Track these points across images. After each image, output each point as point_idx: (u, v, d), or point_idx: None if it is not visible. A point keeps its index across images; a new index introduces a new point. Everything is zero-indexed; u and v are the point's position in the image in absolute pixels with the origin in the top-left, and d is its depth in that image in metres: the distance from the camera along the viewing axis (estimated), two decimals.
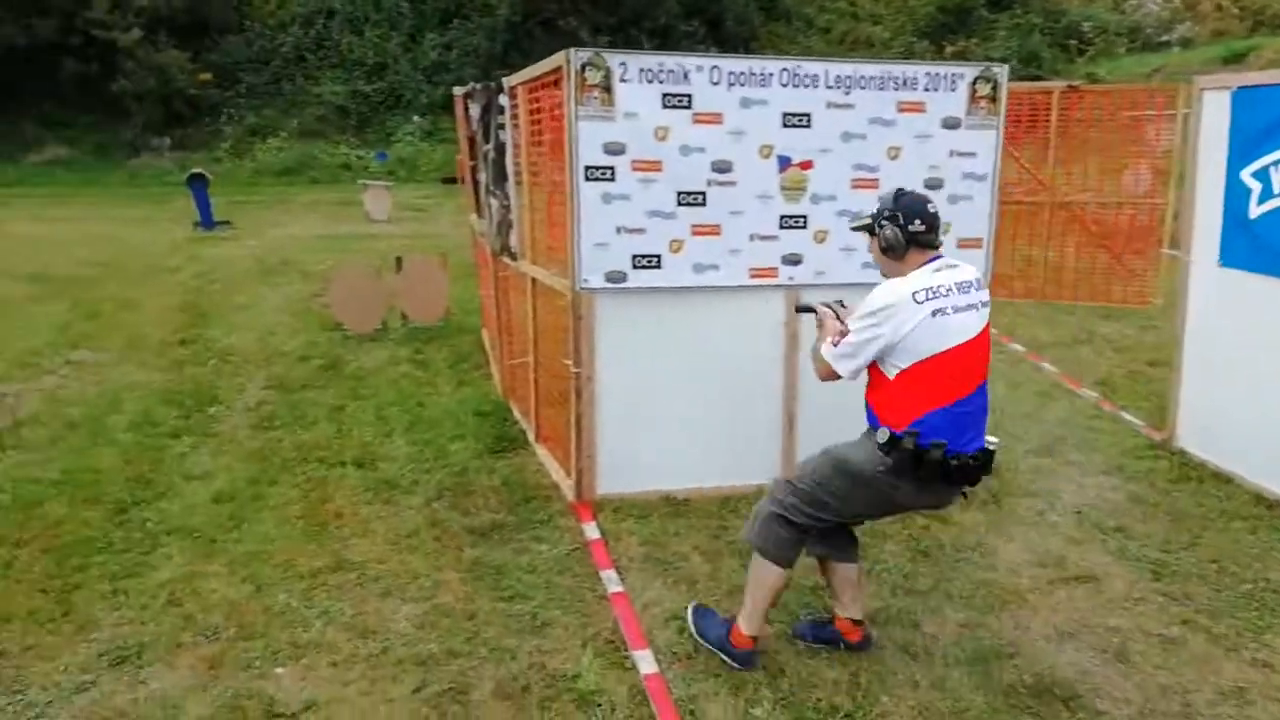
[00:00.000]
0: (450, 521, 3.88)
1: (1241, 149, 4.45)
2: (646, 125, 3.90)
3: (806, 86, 4.05)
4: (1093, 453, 4.97)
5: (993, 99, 4.25)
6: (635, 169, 3.92)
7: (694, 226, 4.04)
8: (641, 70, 3.85)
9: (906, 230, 2.74)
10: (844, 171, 4.17)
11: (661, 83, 3.89)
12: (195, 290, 8.74)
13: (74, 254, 10.80)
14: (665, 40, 20.85)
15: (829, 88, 4.08)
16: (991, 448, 2.68)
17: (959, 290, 2.66)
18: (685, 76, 3.91)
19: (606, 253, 3.96)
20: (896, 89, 4.15)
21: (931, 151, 4.24)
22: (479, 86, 5.59)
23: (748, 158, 4.04)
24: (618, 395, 4.09)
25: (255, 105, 21.81)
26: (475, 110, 5.70)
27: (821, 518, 2.82)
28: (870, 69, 4.11)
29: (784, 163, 4.10)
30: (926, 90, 4.18)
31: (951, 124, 4.24)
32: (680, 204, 4.01)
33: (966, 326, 2.65)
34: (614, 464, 4.14)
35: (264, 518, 3.88)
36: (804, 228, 4.17)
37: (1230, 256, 4.57)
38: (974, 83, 4.22)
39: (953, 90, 4.21)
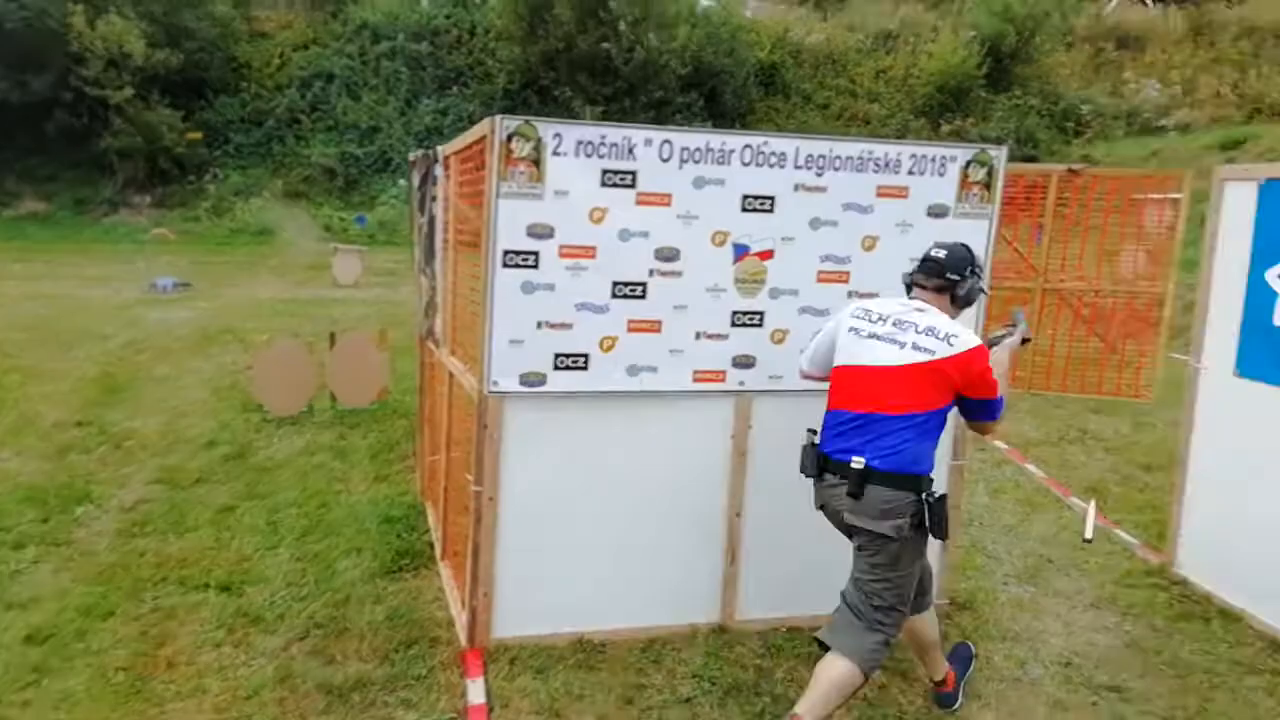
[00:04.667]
0: (306, 675, 3.15)
1: (1268, 248, 3.87)
2: (580, 205, 3.31)
3: (772, 166, 3.48)
4: (1082, 579, 4.32)
5: (987, 185, 3.68)
6: (564, 255, 3.32)
7: (631, 322, 3.43)
8: (580, 143, 3.28)
9: (908, 275, 3.14)
10: (809, 263, 3.58)
11: (602, 157, 3.31)
12: (118, 360, 8.07)
13: (9, 315, 10.17)
14: (660, 112, 20.66)
15: (798, 167, 3.51)
16: (856, 467, 2.80)
17: (894, 324, 2.92)
18: (630, 151, 3.33)
19: (523, 351, 3.33)
20: (877, 171, 3.59)
21: (913, 243, 3.64)
22: (419, 154, 5.05)
23: (698, 245, 3.45)
24: (527, 518, 3.42)
25: (242, 165, 21.46)
26: (415, 179, 5.16)
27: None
28: (847, 147, 3.55)
29: (740, 251, 3.50)
30: (911, 173, 3.62)
31: (938, 212, 3.66)
32: (616, 296, 3.40)
33: (875, 353, 2.89)
34: (518, 601, 3.45)
35: (76, 668, 3.15)
36: (759, 325, 3.56)
37: (1249, 366, 3.96)
38: (966, 166, 3.65)
39: (941, 174, 3.64)
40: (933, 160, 3.61)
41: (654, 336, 3.47)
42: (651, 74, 20.33)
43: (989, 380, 2.84)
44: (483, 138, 3.30)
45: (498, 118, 3.19)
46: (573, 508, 3.47)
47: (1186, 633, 3.81)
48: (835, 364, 3.00)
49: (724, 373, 3.56)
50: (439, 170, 4.42)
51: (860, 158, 3.55)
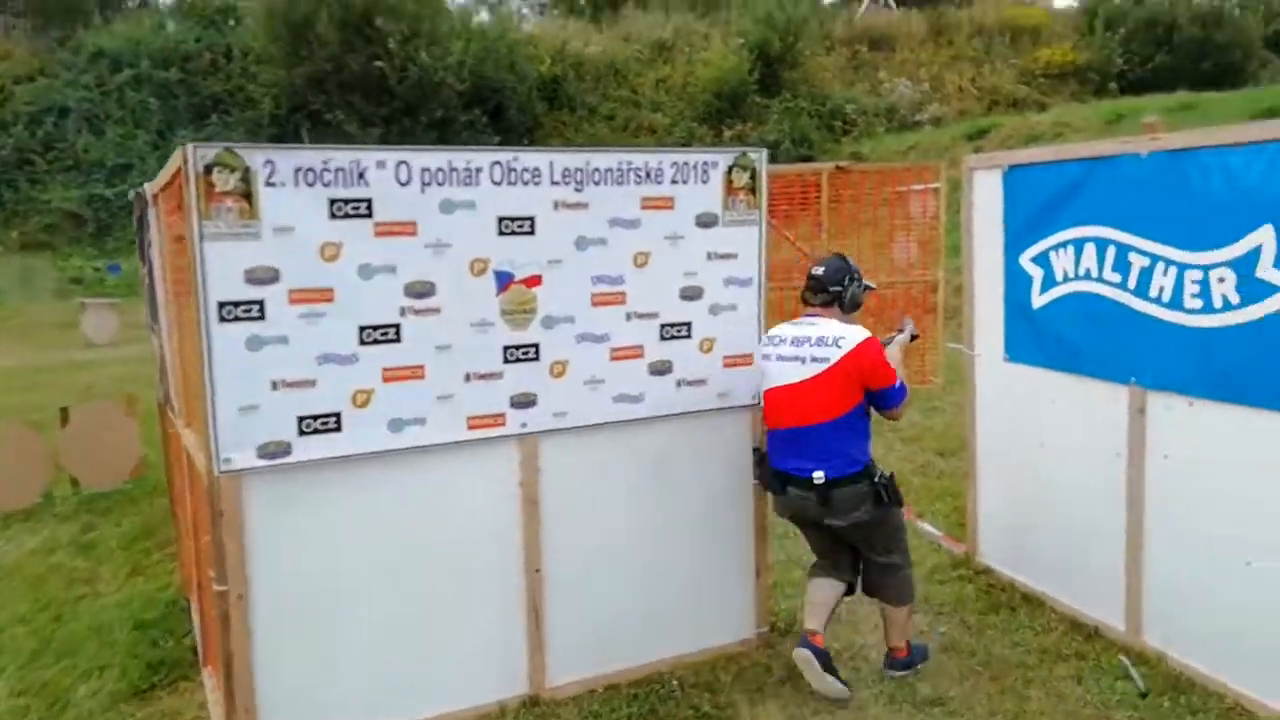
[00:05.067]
0: None
1: (1019, 233, 4.02)
2: (309, 242, 2.88)
3: (526, 183, 3.20)
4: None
5: (752, 190, 3.57)
6: (295, 301, 2.87)
7: (386, 370, 3.03)
8: (299, 170, 2.85)
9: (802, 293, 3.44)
10: (582, 286, 3.32)
11: (328, 185, 2.89)
12: None
13: None
14: (445, 132, 20.02)
15: (555, 183, 3.24)
16: (819, 482, 3.17)
17: (792, 343, 3.29)
18: (361, 176, 2.94)
19: (258, 418, 2.85)
20: (639, 182, 3.39)
21: (686, 255, 3.49)
22: (136, 192, 4.38)
23: (455, 276, 3.11)
24: (289, 614, 2.94)
25: None
26: (135, 222, 4.48)
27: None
28: (604, 159, 3.32)
29: (504, 280, 3.19)
30: (675, 183, 3.44)
31: (707, 221, 3.51)
32: (365, 342, 2.99)
33: (785, 373, 3.28)
34: (291, 711, 2.96)
35: None
36: (535, 359, 3.26)
37: (1016, 350, 4.11)
38: (729, 172, 3.53)
39: (704, 181, 3.50)
40: (695, 168, 3.46)
41: (416, 384, 3.08)
42: (429, 92, 19.66)
43: (883, 370, 3.27)
44: (178, 170, 2.80)
45: (190, 147, 2.71)
46: (344, 593, 3.02)
47: (997, 626, 3.84)
48: (763, 389, 3.42)
49: (503, 415, 3.23)
50: (151, 212, 3.82)
51: (620, 169, 3.34)
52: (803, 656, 3.26)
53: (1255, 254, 2.99)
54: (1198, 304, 3.21)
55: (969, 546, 4.52)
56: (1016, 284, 4.05)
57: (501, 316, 3.19)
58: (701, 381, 3.57)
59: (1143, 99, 17.71)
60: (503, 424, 3.23)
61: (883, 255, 8.89)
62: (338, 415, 2.97)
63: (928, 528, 4.96)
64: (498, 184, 3.15)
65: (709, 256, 3.53)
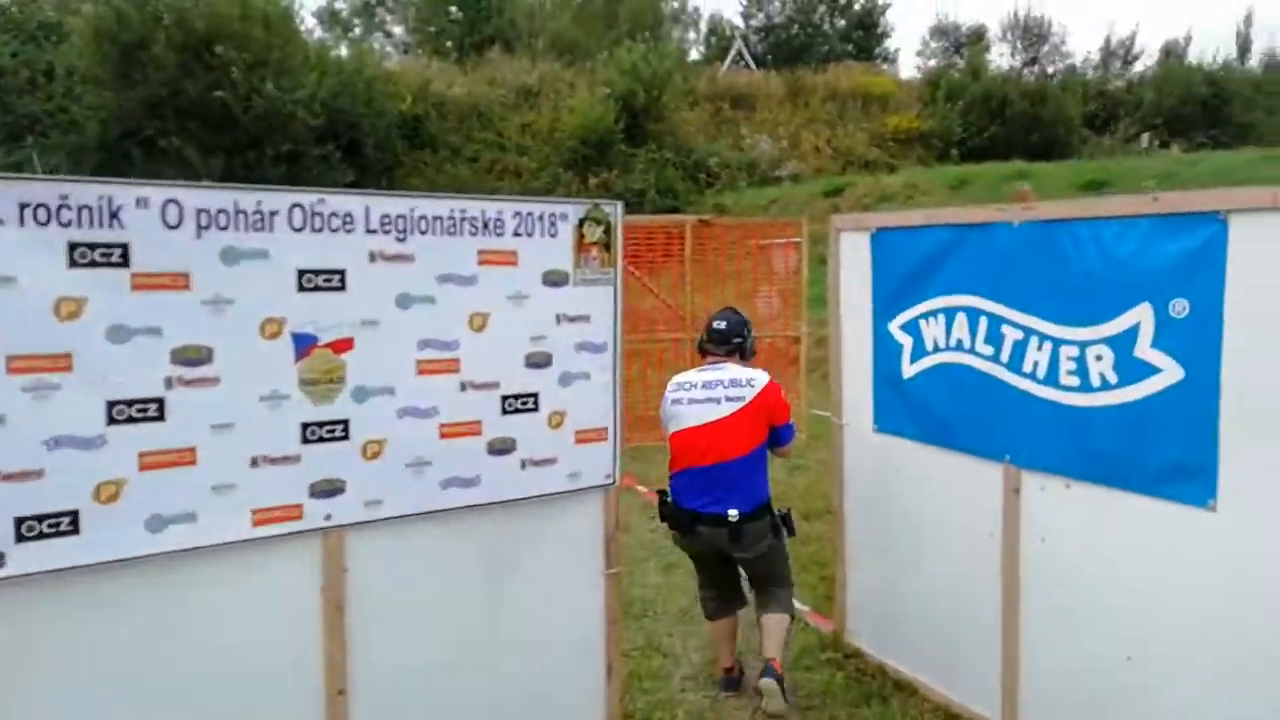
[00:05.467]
0: None
1: (888, 298, 3.81)
2: (37, 296, 2.26)
3: (335, 230, 2.68)
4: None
5: (606, 246, 3.18)
6: (15, 370, 2.23)
7: (145, 455, 2.41)
8: (24, 206, 2.23)
9: (700, 340, 3.77)
10: (404, 351, 2.81)
11: (66, 225, 2.28)
12: None
13: None
14: (295, 166, 18.87)
15: (372, 231, 2.74)
16: (733, 519, 3.43)
17: (703, 387, 3.55)
18: (114, 216, 2.34)
19: None
20: (475, 233, 2.93)
21: (532, 317, 3.04)
22: None
23: (240, 340, 2.54)
24: None
25: None
26: None
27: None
28: (435, 206, 2.85)
29: (304, 344, 2.64)
30: (518, 235, 3.01)
31: (556, 280, 3.09)
32: (116, 421, 2.37)
33: (698, 415, 3.51)
34: None
35: None
36: (344, 438, 2.72)
37: (886, 421, 3.87)
38: (580, 225, 3.12)
39: (553, 235, 3.08)
40: (541, 219, 3.03)
41: (185, 471, 2.48)
42: (278, 124, 18.55)
43: (784, 408, 3.65)
44: None
45: None
46: None
47: (868, 718, 3.55)
48: (671, 431, 3.63)
49: (299, 507, 2.66)
50: None
51: (453, 218, 2.88)
52: (769, 687, 3.47)
53: (1133, 332, 2.83)
54: (1074, 381, 3.03)
55: (837, 624, 4.23)
56: (886, 352, 3.82)
57: (300, 387, 2.63)
58: (550, 461, 3.11)
59: (982, 166, 18.81)
60: (299, 517, 2.65)
61: (746, 307, 8.77)
62: (74, 514, 2.32)
63: (795, 601, 4.63)
64: (298, 230, 2.61)
65: (558, 319, 3.10)
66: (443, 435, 2.89)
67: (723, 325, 3.72)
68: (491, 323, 2.96)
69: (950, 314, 3.50)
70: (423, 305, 2.83)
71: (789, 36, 34.30)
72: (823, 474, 6.88)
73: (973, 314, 3.40)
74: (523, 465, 3.06)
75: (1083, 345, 2.99)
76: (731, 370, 3.62)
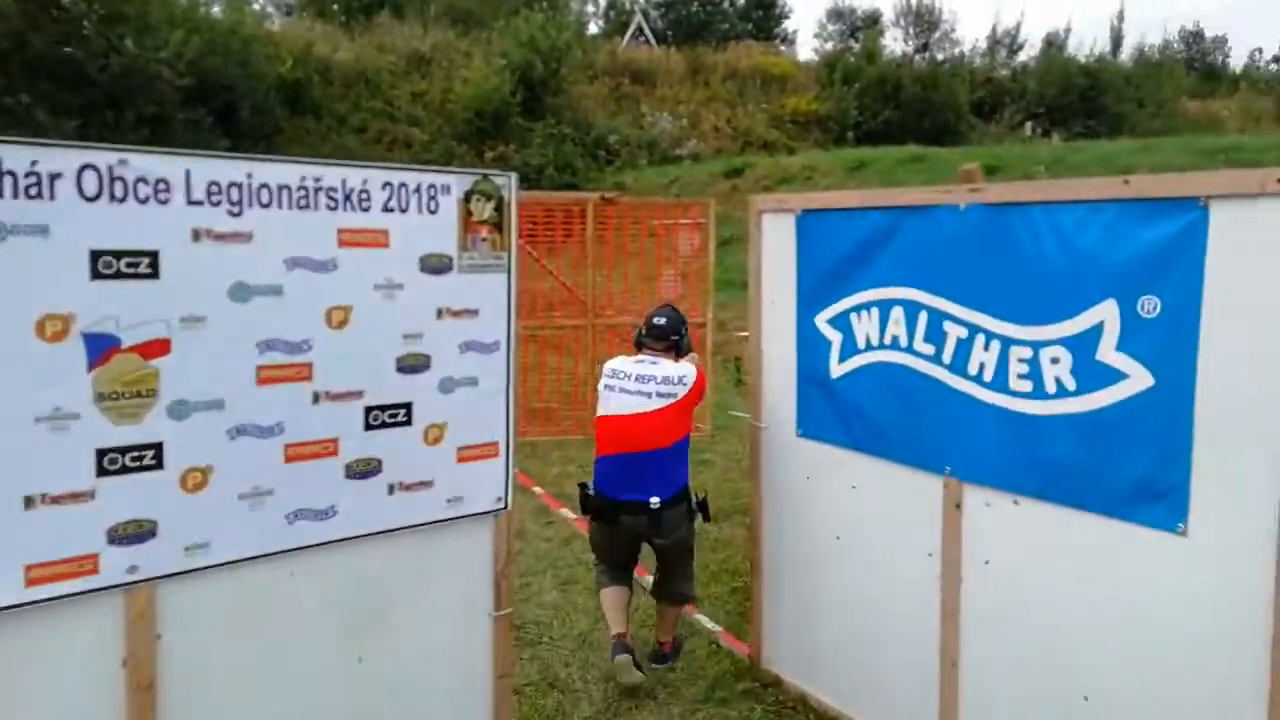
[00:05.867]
0: None
1: (814, 289, 3.43)
2: None
3: (146, 200, 2.08)
4: (671, 701, 3.55)
5: (498, 226, 2.67)
6: None
7: None
8: None
9: (638, 334, 3.86)
10: (240, 355, 2.25)
11: None
12: None
13: None
14: (161, 130, 17.31)
15: (196, 203, 2.15)
16: (655, 506, 3.54)
17: (635, 379, 3.64)
18: None
19: None
20: (334, 206, 2.37)
21: (406, 311, 2.51)
22: None
23: (6, 342, 1.92)
24: None
25: None
26: None
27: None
28: (279, 171, 2.28)
29: (100, 347, 2.05)
30: (389, 210, 2.47)
31: (438, 266, 2.56)
32: None
33: (627, 405, 3.61)
34: None
35: None
36: (156, 466, 2.14)
37: (810, 425, 3.50)
38: (467, 200, 2.60)
39: (433, 211, 2.55)
40: (418, 192, 2.50)
41: None
42: (140, 84, 16.99)
43: (706, 385, 4.03)
44: None
45: None
46: None
47: None
48: (599, 415, 3.69)
49: (93, 558, 2.07)
50: None
51: (304, 188, 2.31)
52: (624, 663, 3.54)
53: (1095, 332, 2.51)
54: (1026, 386, 2.71)
55: (753, 648, 3.85)
56: (811, 348, 3.45)
57: (96, 403, 2.04)
58: (425, 484, 2.60)
59: (879, 150, 18.92)
60: (93, 571, 2.06)
61: (649, 290, 8.38)
62: None
63: (704, 620, 4.25)
64: (92, 199, 2.01)
65: (439, 313, 2.58)
66: (289, 458, 2.35)
67: (662, 321, 3.78)
68: (354, 318, 2.42)
69: (885, 307, 3.14)
70: (265, 297, 2.27)
71: (689, 13, 33.97)
72: (730, 468, 6.56)
73: (911, 308, 3.04)
74: (391, 490, 2.54)
75: (1037, 346, 2.67)
76: (665, 367, 3.66)
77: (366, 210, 2.43)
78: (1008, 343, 2.75)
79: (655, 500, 3.53)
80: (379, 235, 2.45)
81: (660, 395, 3.60)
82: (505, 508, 2.75)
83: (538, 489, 6.05)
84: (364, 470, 2.48)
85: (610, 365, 3.79)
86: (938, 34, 31.25)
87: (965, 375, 2.89)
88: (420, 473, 2.58)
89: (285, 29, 24.39)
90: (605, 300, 8.05)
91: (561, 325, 7.81)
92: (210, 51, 18.17)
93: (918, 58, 29.40)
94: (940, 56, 29.91)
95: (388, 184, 2.45)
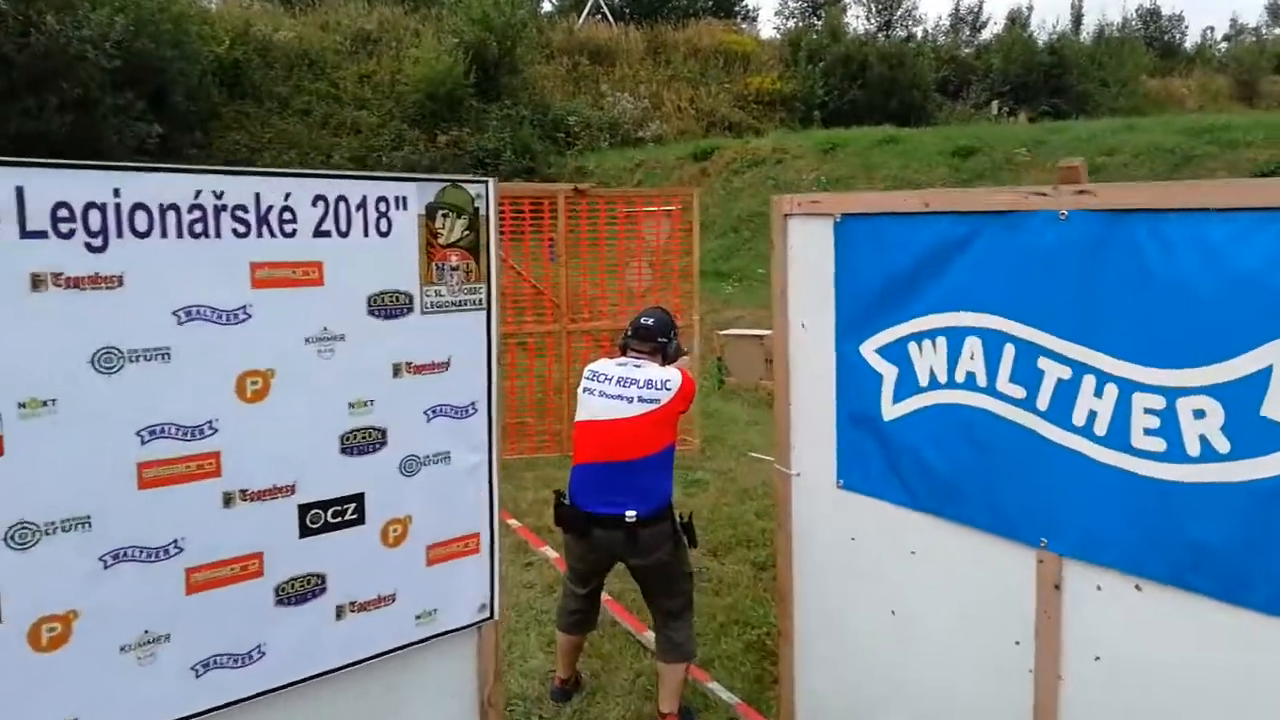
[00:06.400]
0: None
1: (860, 311, 2.80)
2: None
3: None
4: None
5: (473, 250, 2.00)
6: None
7: None
8: None
9: (624, 336, 3.54)
10: (111, 450, 1.57)
11: None
12: None
13: None
14: (85, 117, 16.14)
15: (35, 235, 1.47)
16: (630, 520, 3.18)
17: (617, 382, 3.32)
18: None
19: None
20: (245, 233, 1.69)
21: (350, 371, 1.84)
22: None
23: None
24: None
25: None
26: None
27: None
28: (162, 185, 1.58)
29: None
30: (323, 234, 1.79)
31: (392, 308, 1.89)
32: None
33: (608, 409, 3.29)
34: None
35: None
36: None
37: (855, 476, 2.87)
38: (430, 216, 1.93)
39: (384, 233, 1.87)
40: (362, 207, 1.82)
41: None
42: (63, 66, 15.81)
43: (694, 391, 3.47)
44: None
45: None
46: None
47: None
48: (577, 419, 3.41)
49: None
50: None
51: (199, 207, 1.63)
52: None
53: (1260, 380, 1.93)
54: (1155, 444, 2.12)
55: None
56: (855, 383, 2.82)
57: None
58: (387, 599, 1.94)
59: (852, 130, 18.38)
60: None
61: (628, 291, 7.72)
62: None
63: (718, 690, 3.64)
64: None
65: (396, 370, 1.92)
66: (193, 587, 1.68)
67: (649, 322, 3.54)
68: (277, 386, 1.75)
69: (956, 337, 2.53)
70: (145, 365, 1.59)
71: None
72: (725, 490, 5.94)
73: (993, 339, 2.44)
74: (339, 614, 1.88)
75: (1172, 395, 2.08)
76: (649, 370, 3.39)
77: (291, 236, 1.75)
78: (1129, 388, 2.16)
79: (631, 514, 3.23)
80: (309, 269, 1.78)
81: (642, 400, 3.31)
82: (491, 617, 2.10)
83: (513, 521, 5.35)
84: (301, 592, 1.81)
85: (591, 367, 3.53)
86: (900, 10, 30.81)
87: (1069, 427, 2.29)
88: (379, 585, 1.92)
89: (221, 8, 23.11)
90: (581, 298, 7.38)
91: (532, 333, 7.13)
92: (140, 31, 16.99)
93: (880, 36, 28.94)
94: (903, 34, 29.49)
95: (320, 198, 1.78)
